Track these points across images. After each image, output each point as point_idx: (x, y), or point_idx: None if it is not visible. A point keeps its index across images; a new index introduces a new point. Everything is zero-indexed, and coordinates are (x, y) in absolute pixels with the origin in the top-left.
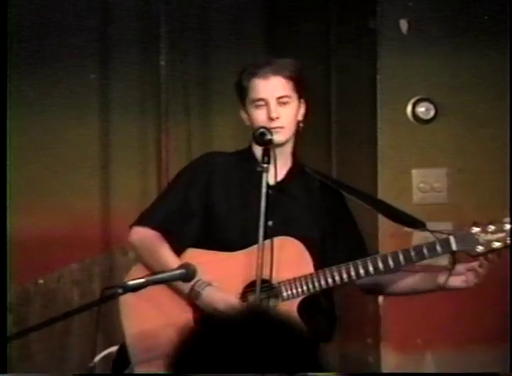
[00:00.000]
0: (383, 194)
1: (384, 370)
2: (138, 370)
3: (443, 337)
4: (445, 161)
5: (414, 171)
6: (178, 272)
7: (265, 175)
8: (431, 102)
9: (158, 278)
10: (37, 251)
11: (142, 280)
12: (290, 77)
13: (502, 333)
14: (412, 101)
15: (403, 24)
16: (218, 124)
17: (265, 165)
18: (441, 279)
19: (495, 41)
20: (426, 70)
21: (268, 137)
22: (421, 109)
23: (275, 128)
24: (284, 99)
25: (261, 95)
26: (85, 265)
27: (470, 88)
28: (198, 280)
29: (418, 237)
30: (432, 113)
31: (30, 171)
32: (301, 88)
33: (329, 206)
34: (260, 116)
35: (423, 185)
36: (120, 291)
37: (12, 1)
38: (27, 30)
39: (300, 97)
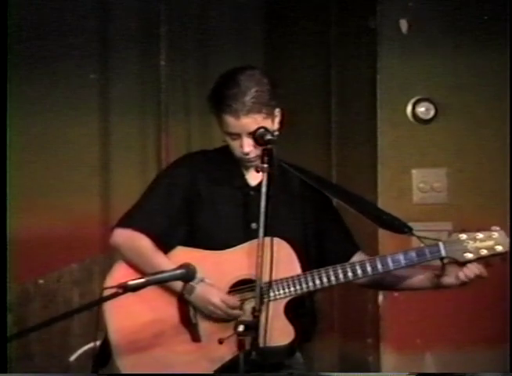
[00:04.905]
0: (383, 194)
1: (384, 370)
2: (120, 362)
3: (442, 337)
4: (445, 161)
5: (414, 171)
6: (178, 272)
7: (265, 175)
8: (431, 102)
9: (158, 278)
10: (37, 251)
11: (142, 280)
12: (261, 108)
13: (501, 333)
14: (412, 101)
15: (403, 24)
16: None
17: (265, 165)
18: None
19: (495, 41)
20: (426, 70)
21: (268, 137)
22: (421, 109)
23: (249, 160)
24: None
25: (233, 130)
26: (85, 265)
27: (470, 88)
28: None
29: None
30: (432, 113)
31: (30, 171)
32: (273, 103)
33: (311, 204)
34: (235, 146)
35: (423, 185)
36: (120, 290)
37: (12, 1)
38: (27, 30)
39: (273, 110)
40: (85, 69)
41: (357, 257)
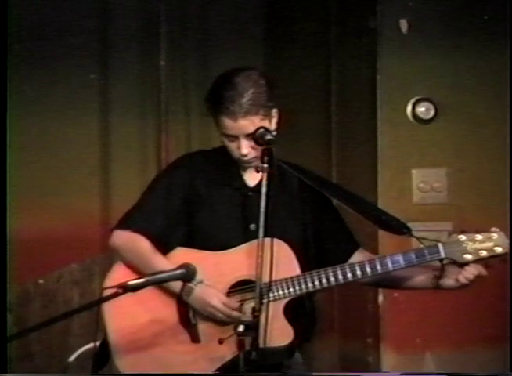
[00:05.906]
0: (383, 194)
1: (384, 370)
2: (119, 362)
3: (442, 337)
4: (445, 161)
5: (414, 171)
6: (178, 272)
7: (264, 175)
8: (431, 102)
9: (158, 278)
10: (37, 251)
11: (142, 280)
12: (258, 109)
13: (501, 333)
14: (412, 101)
15: (403, 24)
16: None
17: (265, 166)
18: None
19: (495, 41)
20: (426, 70)
21: (268, 137)
22: (421, 109)
23: (247, 161)
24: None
25: (231, 132)
26: (85, 265)
27: (470, 88)
28: None
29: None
30: (432, 113)
31: (30, 171)
32: (271, 104)
33: (311, 204)
34: (232, 147)
35: (423, 185)
36: (120, 291)
37: (12, 1)
38: (27, 30)
39: (271, 111)
40: (85, 69)
41: (357, 254)
